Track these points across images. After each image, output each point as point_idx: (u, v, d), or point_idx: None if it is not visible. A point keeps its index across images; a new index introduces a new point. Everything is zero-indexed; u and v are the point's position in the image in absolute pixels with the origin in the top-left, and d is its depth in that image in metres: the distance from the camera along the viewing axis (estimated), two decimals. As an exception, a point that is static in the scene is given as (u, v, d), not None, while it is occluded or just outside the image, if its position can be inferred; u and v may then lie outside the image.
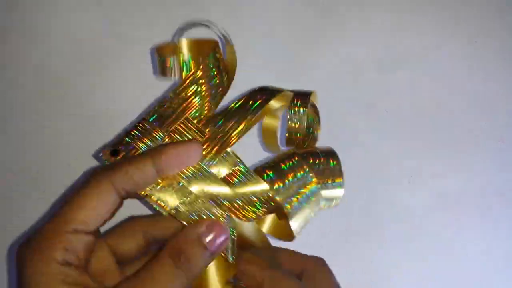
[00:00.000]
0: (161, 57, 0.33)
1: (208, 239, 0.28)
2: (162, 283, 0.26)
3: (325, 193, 0.33)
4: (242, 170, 0.31)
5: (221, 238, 0.29)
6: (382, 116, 0.44)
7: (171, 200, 0.30)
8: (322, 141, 0.43)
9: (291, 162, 0.32)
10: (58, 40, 0.43)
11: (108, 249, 0.30)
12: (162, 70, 0.33)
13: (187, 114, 0.31)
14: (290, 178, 0.31)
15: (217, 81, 0.32)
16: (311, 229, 0.43)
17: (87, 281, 0.26)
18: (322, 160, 0.33)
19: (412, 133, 0.44)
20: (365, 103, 0.44)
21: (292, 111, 0.33)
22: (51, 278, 0.25)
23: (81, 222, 0.27)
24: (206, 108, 0.32)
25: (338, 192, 0.33)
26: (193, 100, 0.31)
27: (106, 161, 0.30)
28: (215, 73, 0.32)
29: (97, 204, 0.27)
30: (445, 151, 0.44)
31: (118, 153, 0.30)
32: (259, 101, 0.32)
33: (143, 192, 0.29)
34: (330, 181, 0.33)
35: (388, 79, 0.44)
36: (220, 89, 0.33)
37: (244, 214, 0.31)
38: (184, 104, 0.31)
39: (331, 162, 0.33)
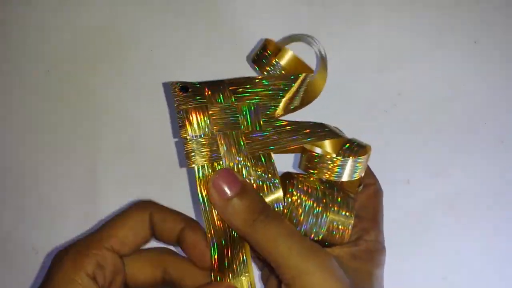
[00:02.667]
0: (265, 51, 0.35)
1: None
2: None
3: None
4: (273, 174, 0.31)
5: None
6: (382, 116, 0.44)
7: None
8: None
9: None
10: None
11: (124, 278, 0.30)
12: (258, 62, 0.35)
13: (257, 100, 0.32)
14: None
15: (292, 96, 0.33)
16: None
17: None
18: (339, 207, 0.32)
19: (412, 133, 0.44)
20: (365, 103, 0.44)
21: (338, 157, 0.32)
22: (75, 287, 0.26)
23: (119, 241, 0.28)
24: (273, 109, 0.33)
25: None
26: (269, 94, 0.33)
27: (174, 93, 0.31)
28: (295, 89, 0.33)
29: (136, 227, 0.28)
30: (445, 151, 0.44)
31: (187, 90, 0.31)
32: (314, 136, 0.32)
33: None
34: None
35: (387, 79, 0.44)
36: (294, 104, 0.34)
37: None
38: (260, 92, 0.32)
39: (345, 210, 0.32)
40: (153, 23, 0.43)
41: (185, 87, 0.31)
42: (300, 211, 0.31)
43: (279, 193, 0.30)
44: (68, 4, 0.43)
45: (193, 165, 0.29)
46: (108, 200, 0.42)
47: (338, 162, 0.31)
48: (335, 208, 0.31)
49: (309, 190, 0.31)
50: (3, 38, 0.43)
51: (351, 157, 0.31)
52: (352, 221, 0.31)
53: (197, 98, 0.31)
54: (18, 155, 0.42)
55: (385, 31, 0.44)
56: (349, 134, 0.43)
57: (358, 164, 0.31)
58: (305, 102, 0.35)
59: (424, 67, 0.44)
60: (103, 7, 0.43)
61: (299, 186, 0.31)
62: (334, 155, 0.32)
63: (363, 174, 0.32)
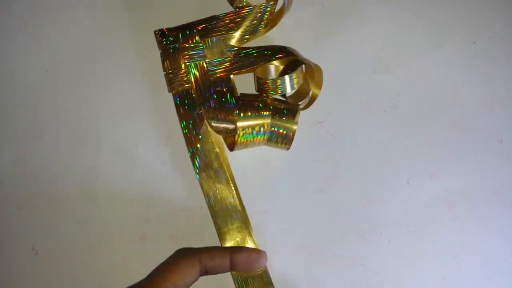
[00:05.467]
0: None
1: None
2: None
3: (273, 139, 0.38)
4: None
5: None
6: (381, 117, 0.44)
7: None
8: (322, 140, 0.43)
9: (260, 108, 0.37)
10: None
11: None
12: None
13: (227, 35, 0.38)
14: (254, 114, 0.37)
15: (261, 26, 0.39)
16: (311, 229, 0.43)
17: None
18: (283, 116, 0.37)
19: (411, 133, 0.44)
20: (364, 103, 0.44)
21: (280, 76, 0.38)
22: None
23: (172, 284, 0.33)
24: (240, 38, 0.39)
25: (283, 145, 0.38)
26: (238, 27, 0.38)
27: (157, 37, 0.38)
28: (265, 18, 0.39)
29: (186, 272, 0.33)
30: (444, 151, 0.44)
31: (165, 36, 0.38)
32: (274, 56, 0.38)
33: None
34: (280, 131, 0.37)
35: (387, 79, 0.44)
36: (259, 31, 0.39)
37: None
38: (229, 26, 0.38)
39: (289, 119, 0.37)
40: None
41: (163, 32, 0.38)
42: (248, 129, 0.37)
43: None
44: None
45: (172, 91, 0.37)
46: (108, 200, 0.42)
47: (279, 82, 0.37)
48: (280, 117, 0.37)
49: (259, 105, 0.37)
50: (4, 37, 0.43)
51: (286, 75, 0.36)
52: (296, 127, 0.38)
53: (172, 39, 0.38)
54: (18, 155, 0.42)
55: (385, 31, 0.44)
56: (348, 134, 0.44)
57: (293, 79, 0.37)
58: (267, 27, 0.40)
59: (424, 67, 0.44)
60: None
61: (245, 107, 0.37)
62: (275, 77, 0.37)
63: (301, 82, 0.38)
